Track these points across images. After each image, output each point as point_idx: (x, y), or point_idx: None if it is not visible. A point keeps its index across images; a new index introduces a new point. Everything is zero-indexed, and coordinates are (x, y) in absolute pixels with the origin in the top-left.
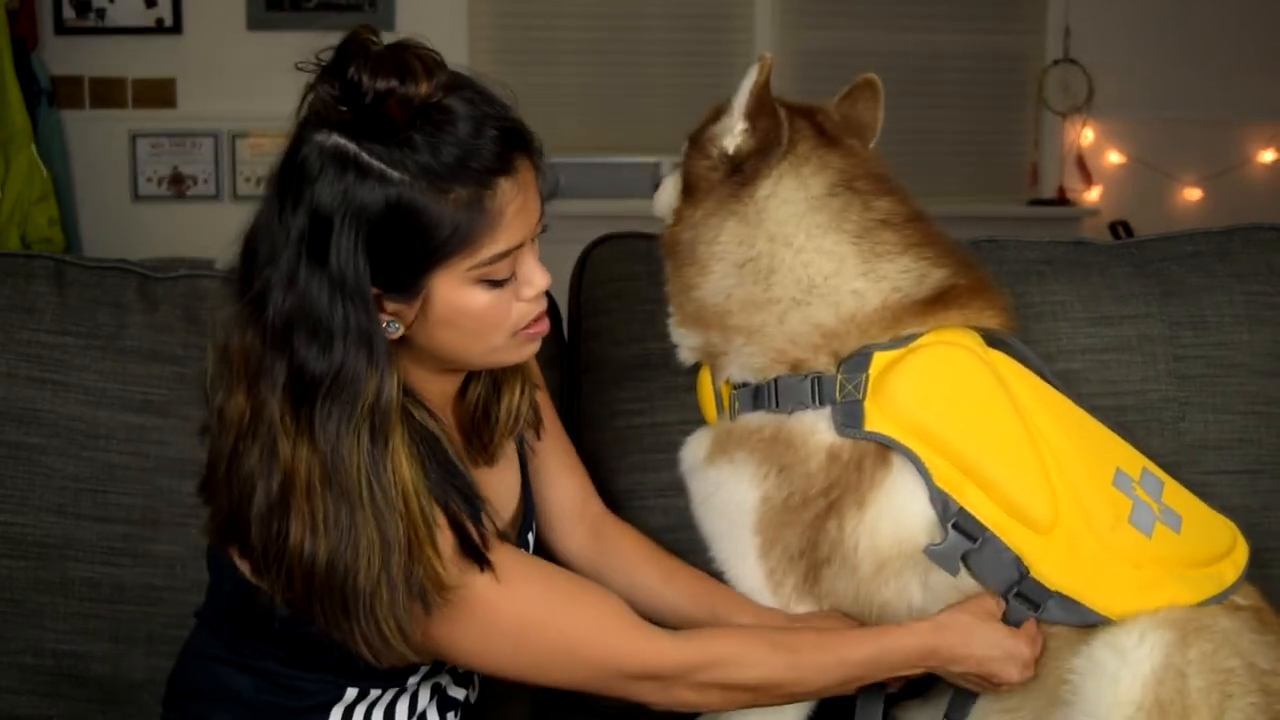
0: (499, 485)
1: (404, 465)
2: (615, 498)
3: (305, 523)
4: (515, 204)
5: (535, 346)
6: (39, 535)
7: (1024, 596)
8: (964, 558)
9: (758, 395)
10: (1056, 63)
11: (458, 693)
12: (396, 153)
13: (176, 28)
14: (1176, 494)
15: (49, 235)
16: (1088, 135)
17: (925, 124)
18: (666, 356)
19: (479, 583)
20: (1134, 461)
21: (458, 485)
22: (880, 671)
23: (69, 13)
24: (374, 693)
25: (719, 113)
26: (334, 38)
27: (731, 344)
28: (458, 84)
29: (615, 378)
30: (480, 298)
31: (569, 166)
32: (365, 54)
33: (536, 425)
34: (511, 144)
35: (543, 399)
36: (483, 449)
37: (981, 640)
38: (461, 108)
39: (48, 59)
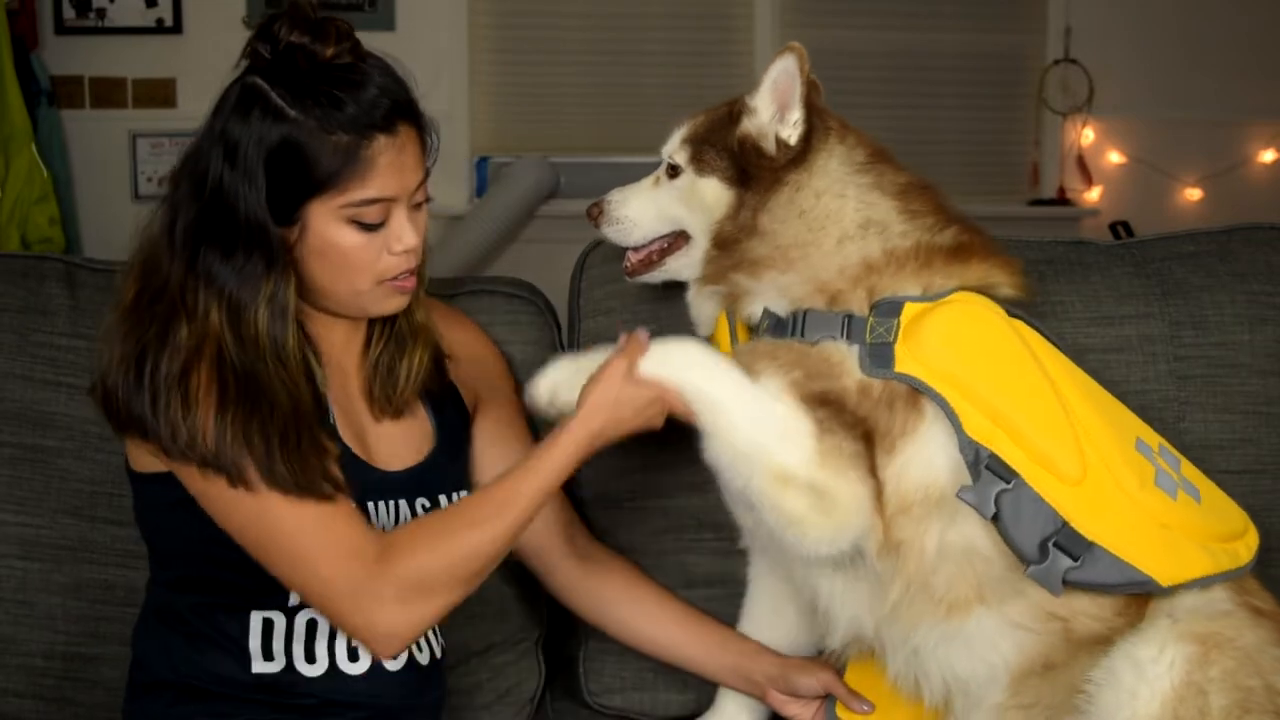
0: (395, 438)
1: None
2: (615, 498)
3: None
4: (389, 159)
5: (401, 300)
6: (54, 537)
7: (1062, 548)
8: (997, 502)
9: (779, 326)
10: (1057, 62)
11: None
12: (296, 96)
13: (177, 28)
14: (1192, 472)
15: (49, 235)
16: (1088, 135)
17: (925, 124)
18: None
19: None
20: (1151, 436)
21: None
22: (563, 473)
23: (69, 12)
24: (280, 621)
25: (736, 112)
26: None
27: (762, 279)
28: (365, 56)
29: None
30: (350, 237)
31: (569, 166)
32: (292, 13)
33: (448, 392)
34: (397, 111)
35: (516, 418)
36: (387, 403)
37: (629, 407)
38: (360, 72)
39: (48, 59)
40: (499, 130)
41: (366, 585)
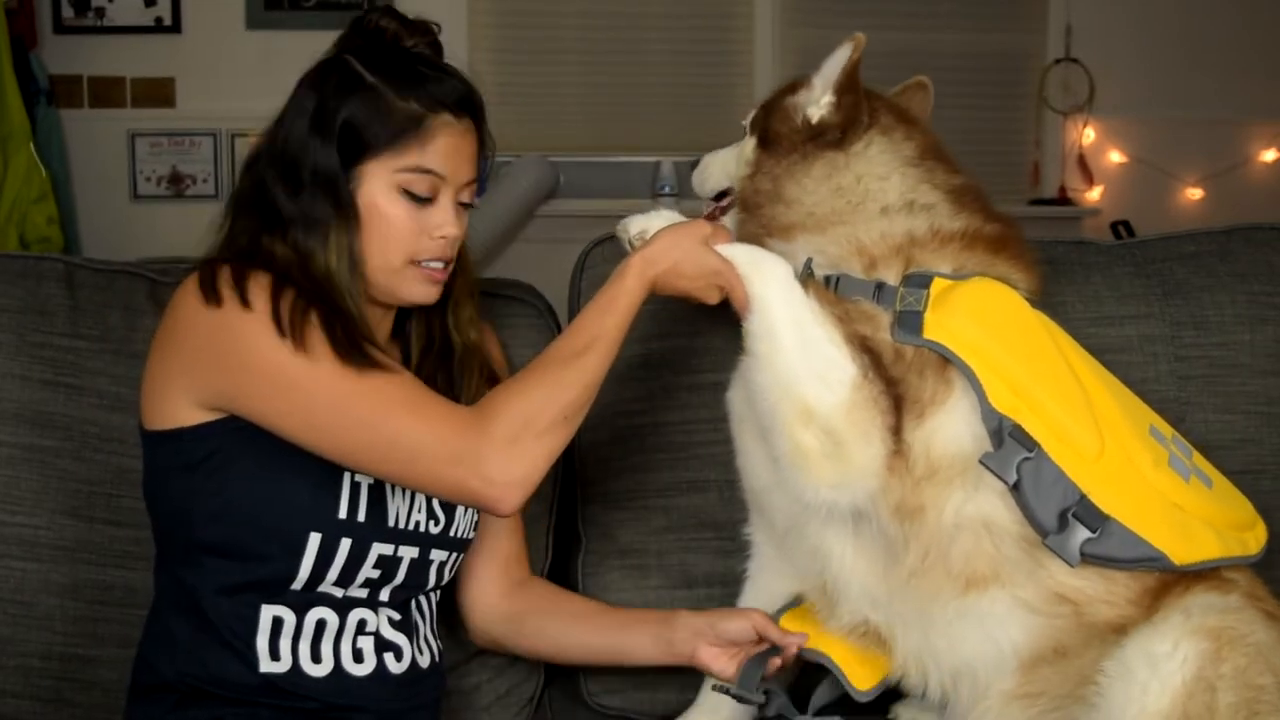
0: None
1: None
2: (615, 498)
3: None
4: (450, 139)
5: (430, 291)
6: (52, 538)
7: (1080, 519)
8: (1019, 469)
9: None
10: (1058, 61)
11: (395, 636)
12: (377, 67)
13: (176, 27)
14: (1203, 462)
15: (47, 235)
16: (1089, 134)
17: None
18: (666, 356)
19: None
20: (1164, 425)
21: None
22: (633, 309)
23: (68, 11)
24: (290, 618)
25: (797, 85)
26: (333, 38)
27: (795, 240)
28: (442, 57)
29: (615, 378)
30: (397, 206)
31: (569, 165)
32: (385, 8)
33: None
34: (467, 104)
35: None
36: None
37: (693, 264)
38: (440, 64)
39: (46, 58)
40: (498, 129)
41: (471, 442)
